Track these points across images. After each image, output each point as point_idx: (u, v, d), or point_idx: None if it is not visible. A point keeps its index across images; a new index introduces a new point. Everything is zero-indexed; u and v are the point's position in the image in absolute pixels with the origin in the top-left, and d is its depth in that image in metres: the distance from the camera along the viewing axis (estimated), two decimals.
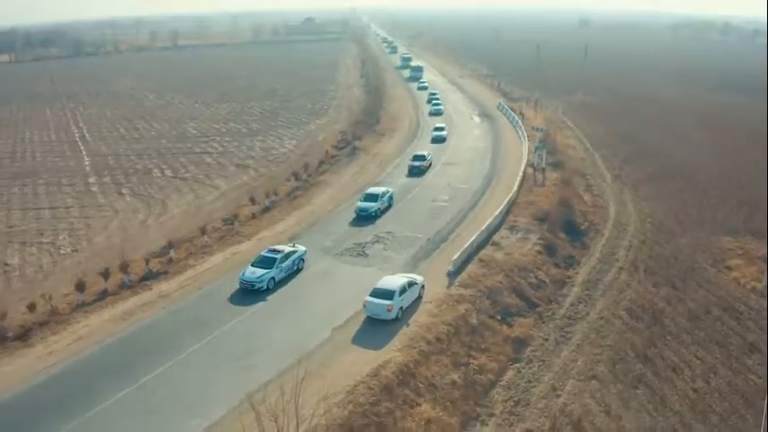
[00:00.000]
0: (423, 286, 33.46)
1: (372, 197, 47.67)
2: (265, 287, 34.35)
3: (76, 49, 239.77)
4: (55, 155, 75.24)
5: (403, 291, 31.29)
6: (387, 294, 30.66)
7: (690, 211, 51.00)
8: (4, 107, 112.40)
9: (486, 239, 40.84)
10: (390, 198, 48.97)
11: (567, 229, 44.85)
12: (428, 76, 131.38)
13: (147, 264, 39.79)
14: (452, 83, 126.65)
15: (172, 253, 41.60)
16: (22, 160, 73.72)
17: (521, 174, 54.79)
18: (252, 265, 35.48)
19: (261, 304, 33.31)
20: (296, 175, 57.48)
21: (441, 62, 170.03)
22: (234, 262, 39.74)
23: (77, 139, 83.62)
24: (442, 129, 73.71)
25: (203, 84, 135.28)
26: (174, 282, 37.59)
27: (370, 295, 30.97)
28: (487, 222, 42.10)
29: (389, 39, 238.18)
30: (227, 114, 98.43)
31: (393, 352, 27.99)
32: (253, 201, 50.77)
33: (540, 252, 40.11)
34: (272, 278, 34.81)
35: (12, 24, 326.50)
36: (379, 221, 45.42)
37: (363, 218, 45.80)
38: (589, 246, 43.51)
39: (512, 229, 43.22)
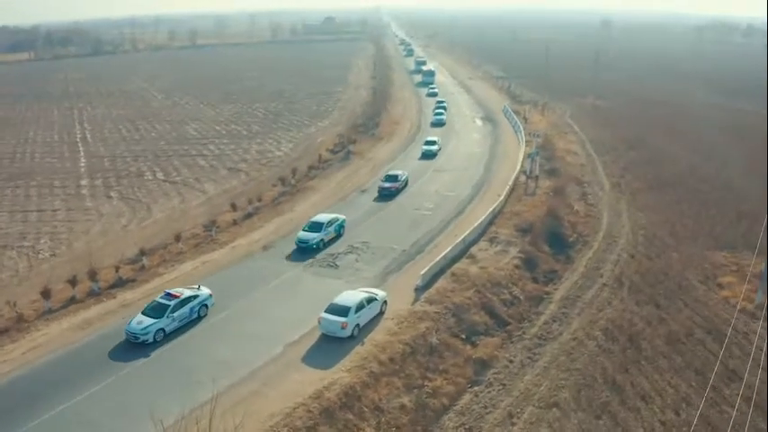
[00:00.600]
0: (385, 302, 32.16)
1: (316, 226, 41.73)
2: (151, 340, 29.46)
3: (95, 48, 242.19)
4: (53, 156, 75.36)
5: (360, 307, 30.04)
6: (342, 311, 29.46)
7: (686, 223, 48.92)
8: (13, 106, 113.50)
9: (462, 252, 39.35)
10: (340, 227, 43.20)
11: (552, 242, 43.15)
12: (438, 78, 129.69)
13: (116, 271, 39.26)
14: (461, 85, 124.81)
15: (144, 260, 40.97)
16: (21, 161, 73.91)
17: (511, 182, 53.12)
18: (142, 313, 30.82)
19: (141, 362, 28.36)
20: (283, 181, 56.46)
21: (454, 63, 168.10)
22: (202, 270, 39.02)
23: (78, 140, 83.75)
24: (432, 143, 67.96)
25: (213, 84, 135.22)
26: (139, 291, 36.88)
27: (326, 311, 29.79)
28: (464, 234, 40.54)
29: (407, 40, 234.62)
30: (230, 116, 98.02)
31: (341, 372, 26.77)
32: (234, 207, 49.91)
33: (518, 266, 38.49)
34: (161, 330, 29.91)
35: (33, 22, 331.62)
36: (356, 230, 44.14)
37: (303, 250, 40.44)
38: (574, 259, 41.72)
39: (492, 240, 41.64)
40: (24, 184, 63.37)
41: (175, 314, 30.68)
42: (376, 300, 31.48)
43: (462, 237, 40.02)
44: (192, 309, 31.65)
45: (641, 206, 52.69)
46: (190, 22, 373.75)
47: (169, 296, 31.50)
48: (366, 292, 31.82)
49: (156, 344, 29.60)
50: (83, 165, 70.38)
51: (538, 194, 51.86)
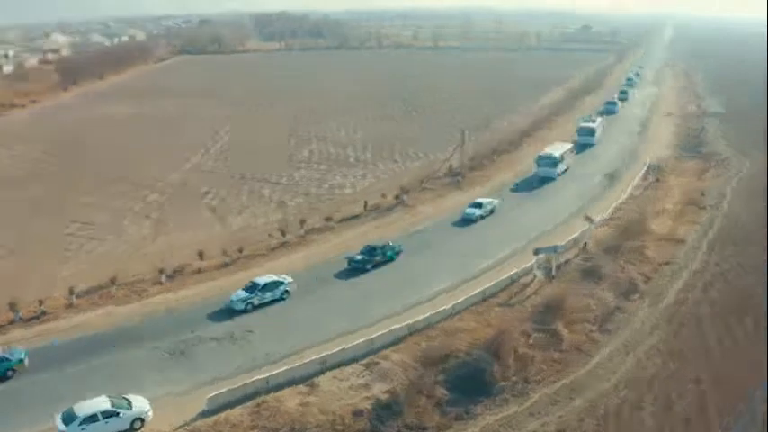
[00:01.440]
0: (139, 419, 28.25)
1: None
2: None
3: (342, 42, 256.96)
4: (156, 163, 78.65)
5: (90, 421, 27.16)
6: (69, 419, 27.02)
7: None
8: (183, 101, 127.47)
9: (312, 374, 32.57)
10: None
11: (464, 384, 32.72)
12: (634, 111, 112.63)
13: (40, 304, 41.16)
14: (646, 122, 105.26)
15: (73, 299, 42.35)
16: (123, 166, 77.01)
17: (494, 281, 42.73)
18: None
19: None
20: (283, 232, 53.26)
21: (674, 91, 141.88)
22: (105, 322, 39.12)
23: (203, 149, 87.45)
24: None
25: (411, 93, 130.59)
26: (36, 329, 38.61)
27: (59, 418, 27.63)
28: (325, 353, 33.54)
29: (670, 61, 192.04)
30: (368, 136, 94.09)
31: None
32: (200, 256, 48.66)
33: (364, 412, 30.02)
34: None
35: (282, 8, 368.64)
36: (251, 315, 40.04)
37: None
38: (476, 415, 31.08)
39: (367, 367, 33.48)
40: (99, 192, 67.07)
41: None
42: (118, 416, 27.68)
43: (322, 355, 33.13)
44: None
45: (677, 349, 37.34)
46: (435, 20, 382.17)
47: None
48: (111, 401, 28.18)
49: None
50: (172, 177, 72.98)
51: (527, 304, 40.78)
